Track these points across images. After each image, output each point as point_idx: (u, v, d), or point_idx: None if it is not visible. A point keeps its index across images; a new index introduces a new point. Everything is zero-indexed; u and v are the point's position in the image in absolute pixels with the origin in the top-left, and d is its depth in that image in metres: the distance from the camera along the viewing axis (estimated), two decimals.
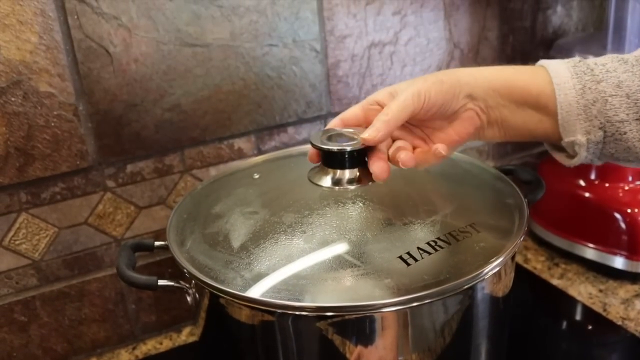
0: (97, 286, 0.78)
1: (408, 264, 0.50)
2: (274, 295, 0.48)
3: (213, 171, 0.81)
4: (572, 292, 0.85)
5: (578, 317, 0.83)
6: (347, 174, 0.56)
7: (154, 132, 0.75)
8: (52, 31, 0.66)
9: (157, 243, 0.62)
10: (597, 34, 0.90)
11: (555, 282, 0.87)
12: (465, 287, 0.49)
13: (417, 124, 0.56)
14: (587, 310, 0.82)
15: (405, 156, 0.52)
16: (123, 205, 0.77)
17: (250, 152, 0.82)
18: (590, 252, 0.89)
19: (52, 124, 0.69)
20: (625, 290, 0.85)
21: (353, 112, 0.56)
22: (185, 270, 0.53)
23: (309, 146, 0.57)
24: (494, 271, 0.50)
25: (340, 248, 0.52)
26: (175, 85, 0.74)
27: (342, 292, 0.49)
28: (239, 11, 0.75)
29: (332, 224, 0.54)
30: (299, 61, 0.80)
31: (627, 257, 0.86)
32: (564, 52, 0.89)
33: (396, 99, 0.53)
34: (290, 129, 0.84)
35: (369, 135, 0.52)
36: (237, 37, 0.76)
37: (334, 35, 0.81)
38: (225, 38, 0.75)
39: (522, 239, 0.54)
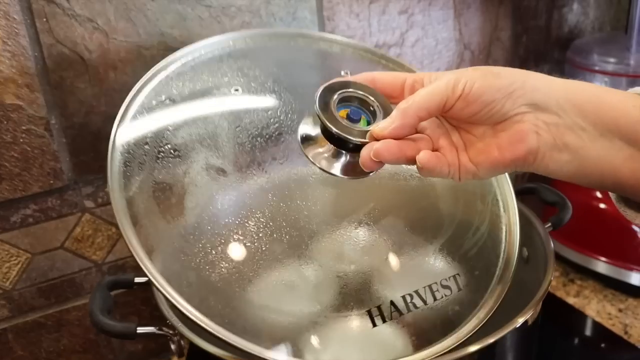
0: (77, 315, 0.71)
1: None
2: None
3: None
4: (590, 311, 0.79)
5: (598, 339, 0.77)
6: (344, 158, 0.46)
7: None
8: (17, 36, 0.59)
9: (137, 279, 0.54)
10: (617, 35, 0.84)
11: (571, 300, 0.82)
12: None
13: (456, 124, 0.44)
14: (607, 332, 0.76)
15: (424, 156, 0.41)
16: (103, 227, 0.70)
17: None
18: (607, 267, 0.83)
19: (21, 140, 0.62)
20: None
21: (391, 78, 0.45)
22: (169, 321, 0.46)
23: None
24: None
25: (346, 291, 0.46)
26: None
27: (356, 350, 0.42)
28: (229, 11, 0.67)
29: (329, 246, 0.49)
30: None
31: None
32: (583, 54, 0.82)
33: (427, 86, 0.42)
34: None
35: (379, 128, 0.41)
36: None
37: None
38: None
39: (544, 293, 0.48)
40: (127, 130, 0.50)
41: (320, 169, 0.46)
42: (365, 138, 0.43)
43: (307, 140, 0.47)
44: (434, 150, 0.43)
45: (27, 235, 0.66)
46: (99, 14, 0.61)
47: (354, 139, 0.43)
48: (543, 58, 0.89)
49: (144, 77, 0.54)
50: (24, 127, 0.62)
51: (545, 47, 0.89)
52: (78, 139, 0.65)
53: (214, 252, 0.46)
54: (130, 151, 0.49)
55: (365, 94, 0.45)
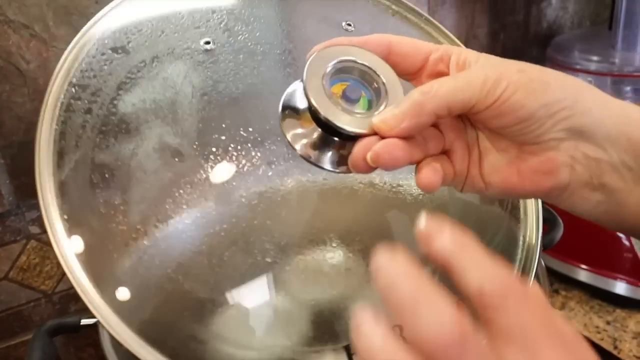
0: (26, 350, 0.65)
1: None
2: None
3: None
4: (577, 325, 0.75)
5: None
6: (331, 146, 0.36)
7: None
8: None
9: (84, 321, 0.48)
10: (599, 30, 0.80)
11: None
12: None
13: (477, 124, 0.36)
14: (596, 348, 0.72)
15: (426, 177, 0.33)
16: (52, 254, 0.63)
17: None
18: (591, 276, 0.79)
19: None
20: (636, 321, 0.75)
21: (411, 47, 0.36)
22: None
23: None
24: None
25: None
26: None
27: None
28: None
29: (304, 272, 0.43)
30: None
31: (630, 283, 0.76)
32: (564, 51, 0.78)
33: (456, 74, 0.34)
34: None
35: (384, 122, 0.33)
36: None
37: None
38: None
39: None
40: (63, 94, 0.41)
41: (301, 155, 0.36)
42: (362, 128, 0.33)
43: (289, 113, 0.36)
44: (444, 151, 0.35)
45: None
46: (36, 19, 0.55)
47: (348, 128, 0.33)
48: (521, 56, 0.85)
49: (94, 18, 0.44)
50: None
51: (523, 44, 0.85)
52: (18, 159, 0.58)
53: (166, 275, 0.40)
54: (66, 122, 0.40)
55: (370, 67, 0.35)
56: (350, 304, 0.43)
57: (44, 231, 0.62)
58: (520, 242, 0.48)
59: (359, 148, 0.33)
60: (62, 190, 0.41)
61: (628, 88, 0.75)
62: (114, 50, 0.42)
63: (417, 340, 0.23)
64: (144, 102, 0.42)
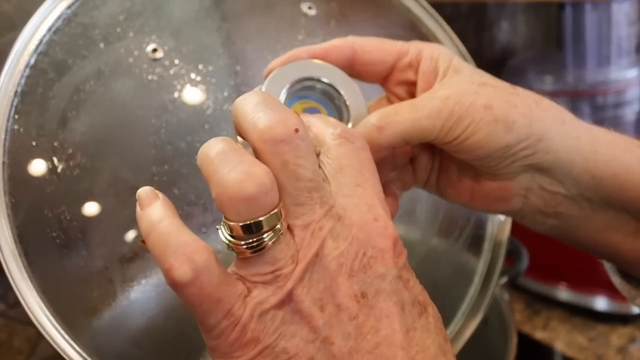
0: None
1: None
2: None
3: None
4: (560, 345, 0.75)
5: None
6: None
7: None
8: None
9: None
10: (551, 51, 0.81)
11: (539, 335, 0.77)
12: None
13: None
14: None
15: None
16: (19, 329, 0.62)
17: None
18: (570, 294, 0.79)
19: None
20: (618, 335, 0.75)
21: (378, 53, 0.34)
22: None
23: None
24: None
25: None
26: None
27: None
28: None
29: None
30: None
31: (609, 297, 0.76)
32: (518, 74, 0.79)
33: (417, 103, 0.33)
34: None
35: None
36: None
37: None
38: None
39: None
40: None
41: None
42: None
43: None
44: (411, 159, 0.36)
45: None
46: None
47: None
48: None
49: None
50: None
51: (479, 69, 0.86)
52: None
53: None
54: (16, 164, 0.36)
55: (332, 84, 0.33)
56: None
57: (10, 306, 0.61)
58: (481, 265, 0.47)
59: None
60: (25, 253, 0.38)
61: (586, 106, 0.75)
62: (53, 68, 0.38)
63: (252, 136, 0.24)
64: (93, 128, 0.38)
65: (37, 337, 0.63)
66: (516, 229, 0.43)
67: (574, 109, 0.75)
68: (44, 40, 0.36)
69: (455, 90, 0.33)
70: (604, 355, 0.72)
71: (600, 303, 0.77)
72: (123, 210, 0.38)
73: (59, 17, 0.36)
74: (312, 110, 0.33)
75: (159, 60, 0.37)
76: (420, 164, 0.36)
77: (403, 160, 0.36)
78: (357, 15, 0.45)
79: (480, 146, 0.32)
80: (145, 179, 0.38)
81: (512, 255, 0.54)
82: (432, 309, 0.26)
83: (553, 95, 0.75)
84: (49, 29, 0.36)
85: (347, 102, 0.33)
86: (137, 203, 0.25)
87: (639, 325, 0.76)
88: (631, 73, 0.72)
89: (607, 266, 0.40)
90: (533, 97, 0.35)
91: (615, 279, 0.40)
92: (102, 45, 0.38)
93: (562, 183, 0.34)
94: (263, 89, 0.32)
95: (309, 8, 0.42)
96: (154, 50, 0.38)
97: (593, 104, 0.75)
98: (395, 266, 0.25)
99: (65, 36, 0.37)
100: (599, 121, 0.72)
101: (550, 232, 0.36)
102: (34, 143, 0.36)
